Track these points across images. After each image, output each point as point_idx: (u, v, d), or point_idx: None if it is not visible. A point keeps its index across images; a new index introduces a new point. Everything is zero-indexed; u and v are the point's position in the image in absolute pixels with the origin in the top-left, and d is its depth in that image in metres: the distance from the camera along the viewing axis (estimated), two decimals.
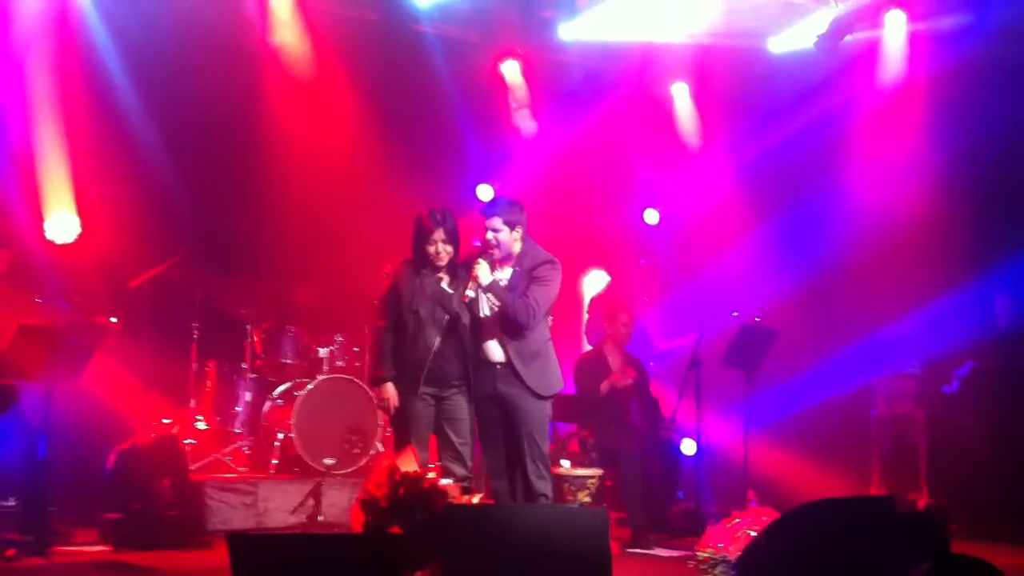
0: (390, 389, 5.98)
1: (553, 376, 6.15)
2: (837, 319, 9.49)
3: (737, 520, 6.17)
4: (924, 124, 9.23)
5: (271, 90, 9.02)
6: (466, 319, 6.00)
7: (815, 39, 8.83)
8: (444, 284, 6.03)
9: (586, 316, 9.04)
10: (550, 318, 6.28)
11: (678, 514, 8.23)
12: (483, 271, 5.92)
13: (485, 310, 6.02)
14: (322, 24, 9.05)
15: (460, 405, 6.02)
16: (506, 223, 6.02)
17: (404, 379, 5.97)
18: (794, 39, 9.46)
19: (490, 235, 6.02)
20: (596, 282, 10.48)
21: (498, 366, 6.02)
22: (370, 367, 6.18)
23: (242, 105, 8.95)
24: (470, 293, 5.91)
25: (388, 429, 8.28)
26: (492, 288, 5.95)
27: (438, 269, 6.03)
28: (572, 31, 9.57)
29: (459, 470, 5.90)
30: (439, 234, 5.96)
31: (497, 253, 6.03)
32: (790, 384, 9.11)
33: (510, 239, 6.04)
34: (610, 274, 10.42)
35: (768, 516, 5.91)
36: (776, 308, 8.86)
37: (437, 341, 5.93)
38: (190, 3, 8.52)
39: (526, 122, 10.06)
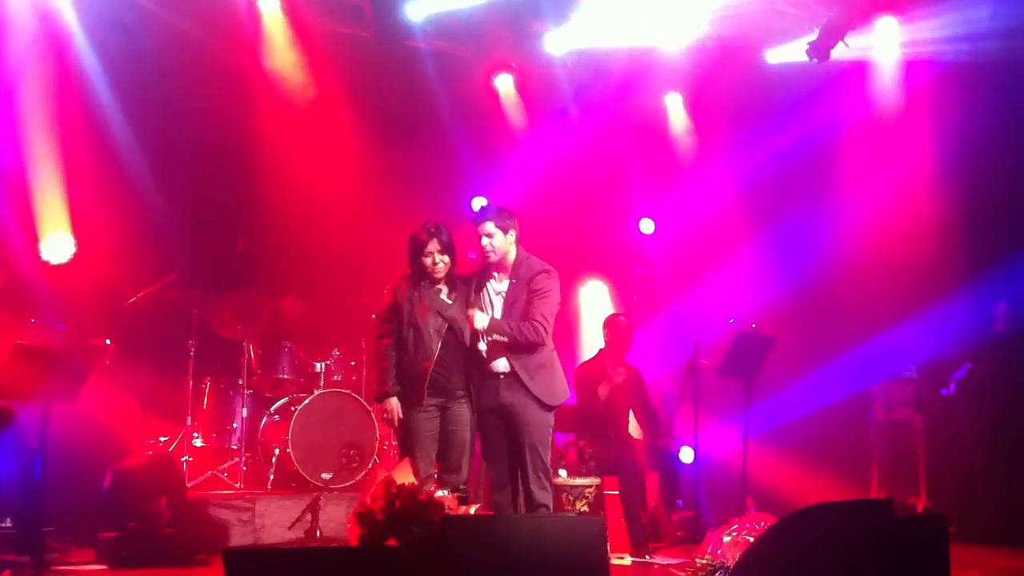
0: (393, 402, 6.02)
1: (559, 386, 6.17)
2: (834, 325, 9.48)
3: (736, 527, 6.18)
4: (920, 132, 9.21)
5: (264, 109, 9.03)
6: (467, 337, 6.04)
7: (806, 46, 8.79)
8: (443, 295, 6.08)
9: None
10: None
11: (677, 522, 8.24)
12: (478, 318, 5.99)
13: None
14: (314, 42, 9.04)
15: (461, 413, 6.05)
16: (499, 227, 6.06)
17: (408, 392, 6.02)
18: (790, 53, 9.44)
19: (485, 241, 6.06)
20: (593, 295, 10.50)
21: (502, 376, 6.04)
22: (375, 384, 6.17)
23: (235, 124, 8.96)
24: (482, 346, 6.00)
25: (386, 443, 8.31)
26: (493, 329, 6.00)
27: (436, 281, 6.08)
28: (560, 40, 9.56)
29: (453, 478, 5.92)
30: (434, 245, 6.02)
31: (494, 257, 6.06)
32: (788, 391, 9.11)
33: (504, 243, 6.08)
34: (607, 283, 10.45)
35: (767, 522, 5.91)
36: (773, 315, 8.85)
37: (437, 351, 5.98)
38: (180, 23, 8.51)
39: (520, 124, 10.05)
